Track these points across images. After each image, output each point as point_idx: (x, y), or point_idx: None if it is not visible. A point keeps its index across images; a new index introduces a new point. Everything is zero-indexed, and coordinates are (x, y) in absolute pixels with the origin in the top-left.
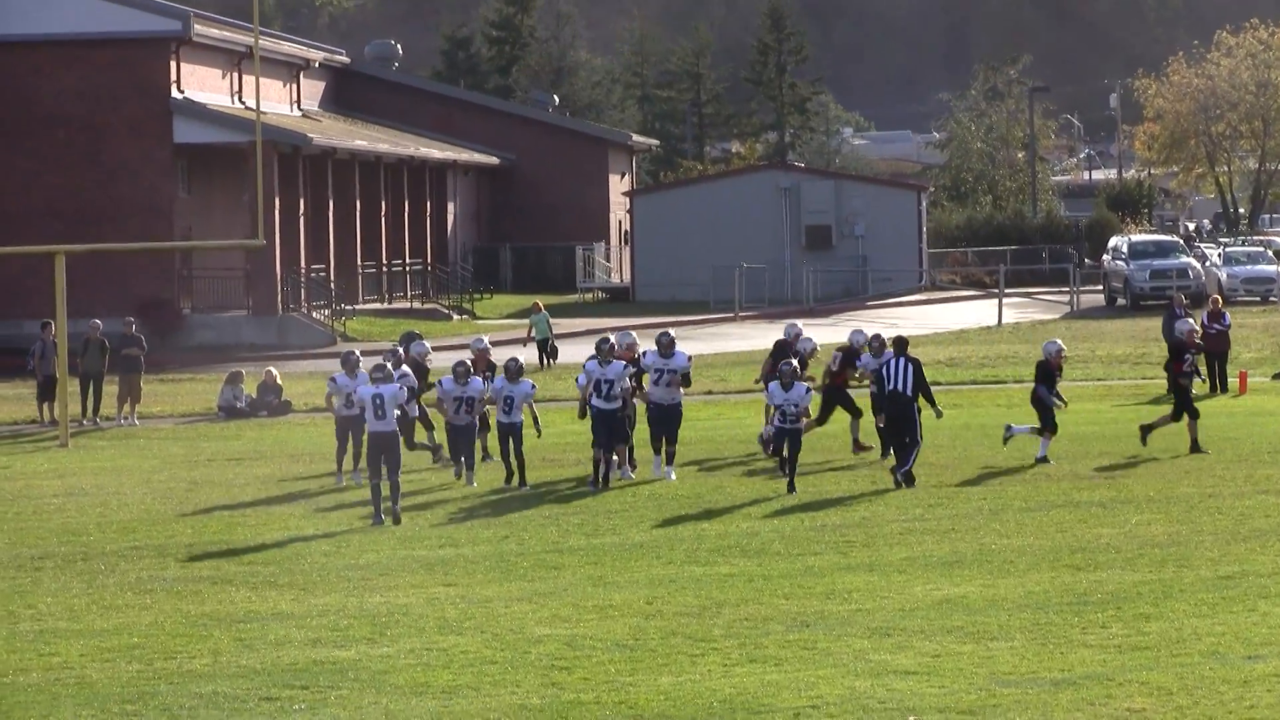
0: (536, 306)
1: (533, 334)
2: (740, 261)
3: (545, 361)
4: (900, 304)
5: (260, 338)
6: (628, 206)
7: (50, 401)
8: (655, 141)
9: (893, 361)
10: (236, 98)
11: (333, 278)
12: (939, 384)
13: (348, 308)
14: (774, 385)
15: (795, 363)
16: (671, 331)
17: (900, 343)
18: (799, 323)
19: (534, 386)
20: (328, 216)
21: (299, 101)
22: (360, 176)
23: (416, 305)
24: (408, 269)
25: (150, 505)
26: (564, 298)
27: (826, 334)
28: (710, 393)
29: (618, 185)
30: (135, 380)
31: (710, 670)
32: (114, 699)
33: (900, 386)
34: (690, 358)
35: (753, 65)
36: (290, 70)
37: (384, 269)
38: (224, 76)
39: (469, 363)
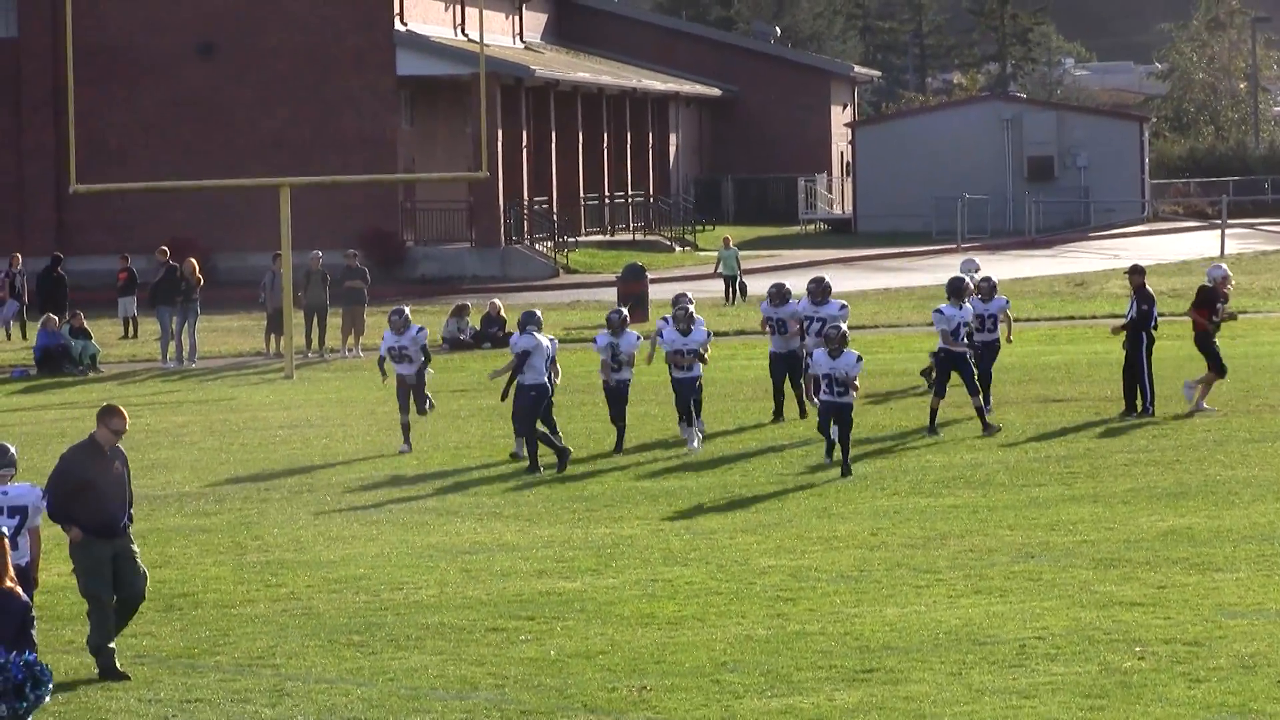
0: (726, 242)
1: (720, 269)
2: (962, 193)
3: (732, 297)
4: (1122, 235)
5: (483, 270)
6: (849, 138)
7: (277, 334)
8: (877, 73)
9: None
10: (459, 30)
11: (555, 210)
12: (1163, 314)
13: (570, 240)
14: (819, 352)
15: (844, 327)
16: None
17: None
18: (976, 259)
19: (639, 337)
20: (550, 148)
21: (521, 34)
22: (582, 108)
23: (639, 237)
24: (630, 201)
25: (375, 437)
26: (786, 229)
27: (1049, 265)
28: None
29: (839, 117)
30: (359, 312)
31: (935, 601)
32: (341, 630)
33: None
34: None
35: None
36: (512, 2)
37: (606, 201)
38: (446, 9)
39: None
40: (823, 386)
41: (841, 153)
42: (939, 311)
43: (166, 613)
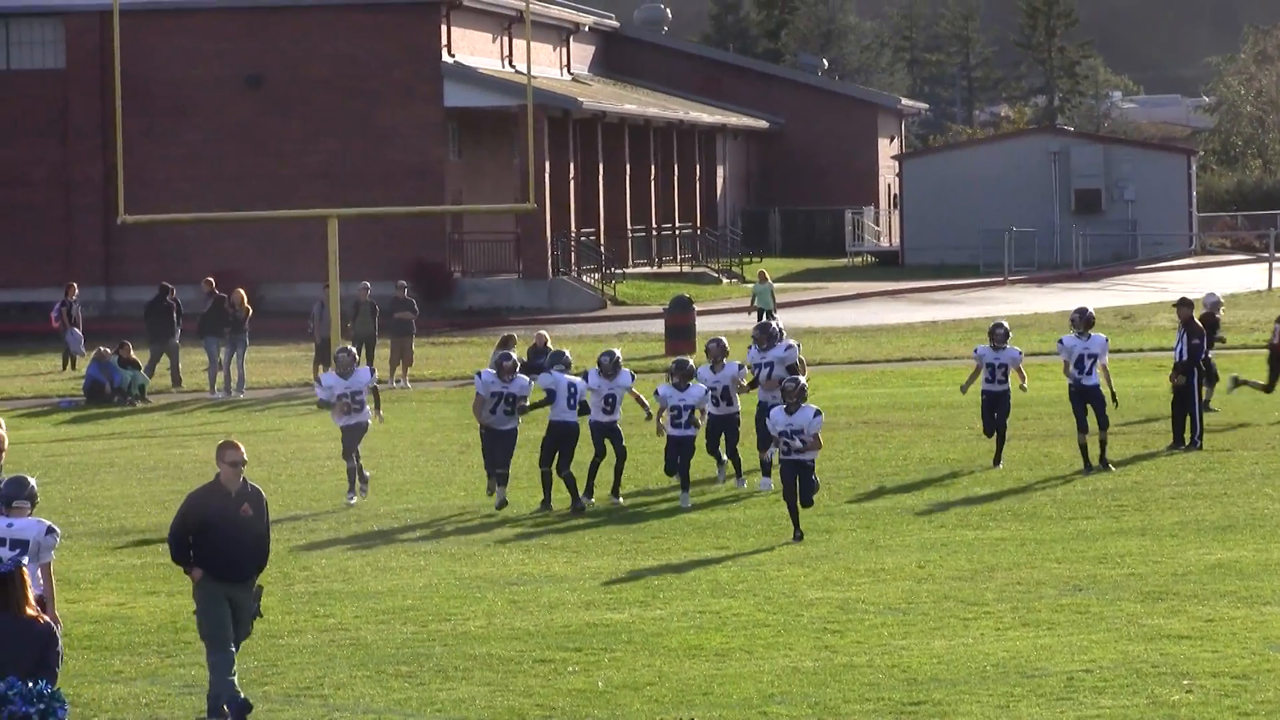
0: (762, 276)
1: (755, 303)
2: (1009, 225)
3: None
4: (1170, 268)
5: (530, 301)
6: (897, 170)
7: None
8: (924, 105)
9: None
10: (506, 61)
11: (602, 241)
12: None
13: (617, 271)
14: (776, 410)
15: (802, 380)
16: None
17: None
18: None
19: (633, 377)
20: (597, 180)
21: (569, 65)
22: (630, 140)
23: (686, 269)
24: (677, 232)
25: (423, 467)
26: (833, 261)
27: (1096, 298)
28: None
29: (887, 149)
30: (407, 343)
31: (983, 634)
32: (389, 660)
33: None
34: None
35: (1022, 29)
36: (560, 34)
37: (653, 232)
38: (494, 40)
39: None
40: (780, 445)
41: (889, 185)
42: (1061, 342)
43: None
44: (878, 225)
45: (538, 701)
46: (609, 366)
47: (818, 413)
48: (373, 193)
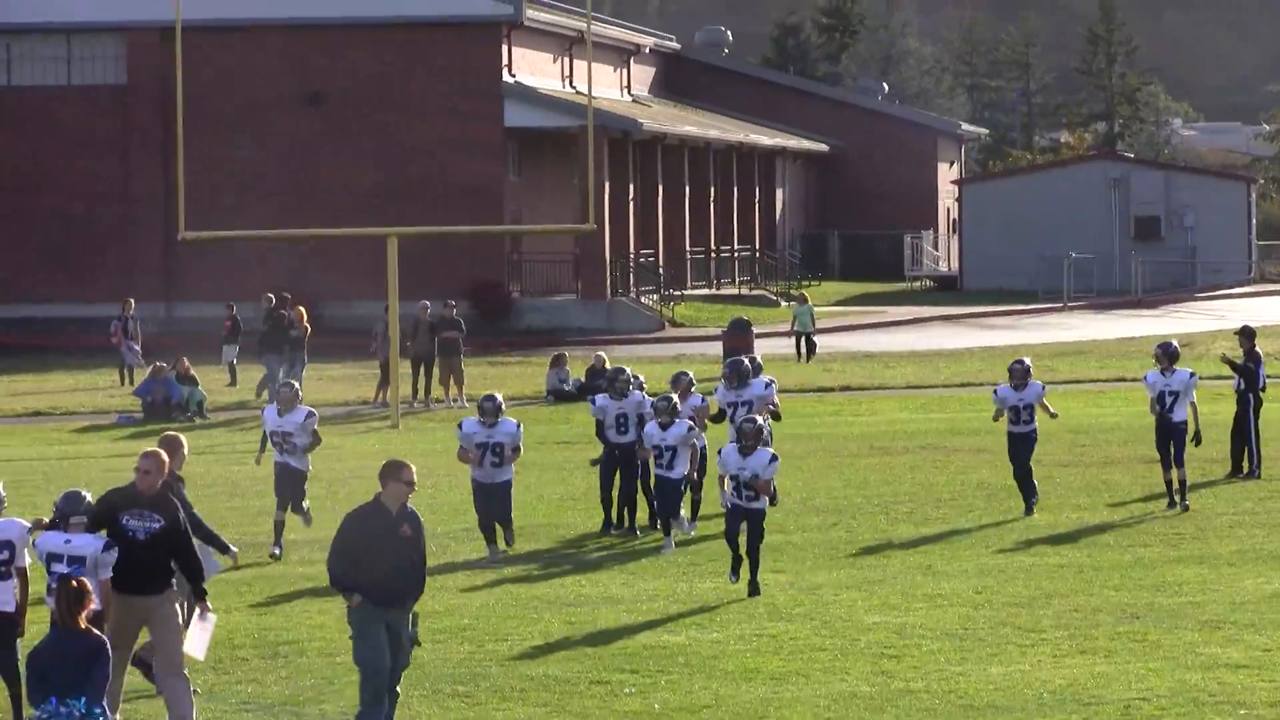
0: (803, 298)
1: (795, 326)
2: (1068, 251)
3: (803, 355)
4: (1229, 296)
5: (589, 322)
6: (956, 195)
7: (387, 385)
8: (984, 130)
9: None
10: (567, 82)
11: (661, 263)
12: (1271, 377)
13: (676, 293)
14: (728, 449)
15: (759, 421)
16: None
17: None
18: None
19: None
20: (657, 201)
21: (629, 87)
22: (689, 162)
23: (744, 291)
24: (736, 255)
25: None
26: (892, 285)
27: (1155, 325)
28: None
29: (946, 173)
30: (456, 363)
31: (1040, 661)
32: (445, 680)
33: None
34: (690, 428)
35: (1082, 55)
36: (621, 55)
37: (712, 255)
38: (554, 61)
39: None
40: (729, 489)
41: (948, 209)
42: (1145, 379)
43: (271, 660)
44: (936, 250)
45: None
46: (622, 387)
47: (774, 458)
48: (432, 212)
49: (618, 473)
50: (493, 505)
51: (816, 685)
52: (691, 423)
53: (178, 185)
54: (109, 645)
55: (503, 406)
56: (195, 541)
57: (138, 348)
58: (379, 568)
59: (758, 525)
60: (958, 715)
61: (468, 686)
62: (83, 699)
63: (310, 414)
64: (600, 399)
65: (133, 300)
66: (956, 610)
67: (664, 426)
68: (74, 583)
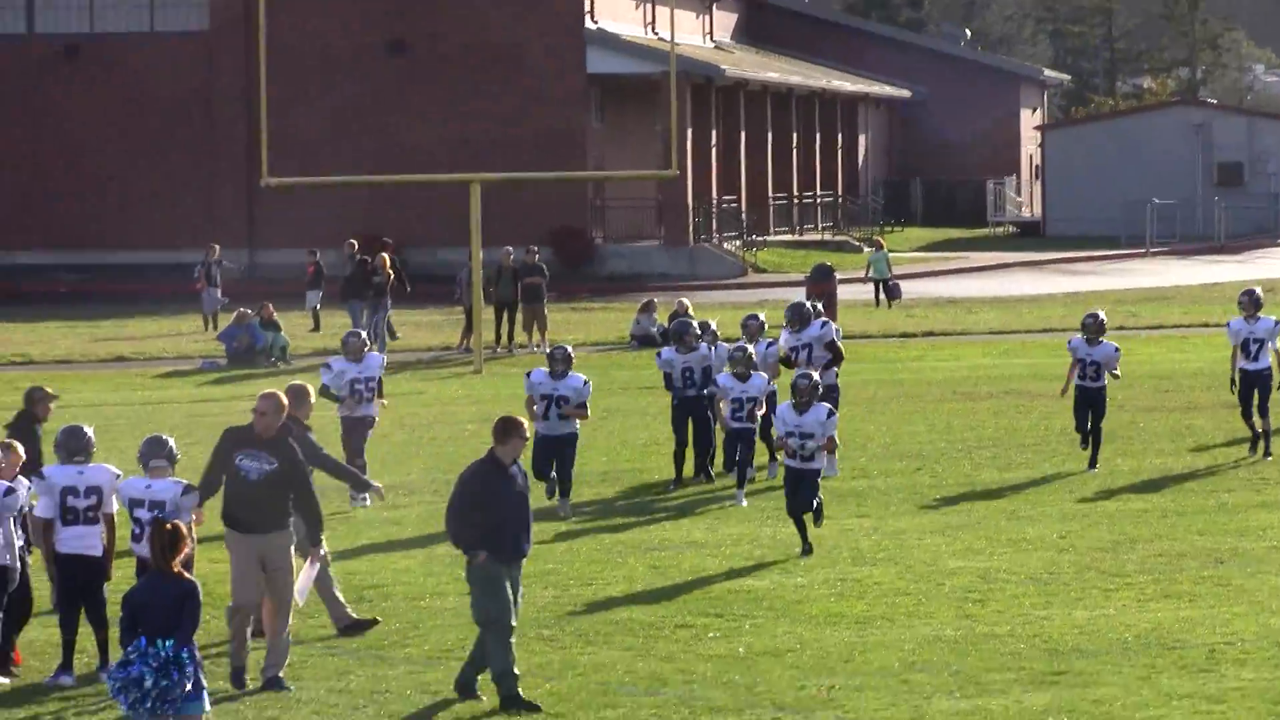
0: (878, 244)
1: (870, 273)
2: (1151, 198)
3: (881, 300)
4: None
5: (672, 268)
6: (1039, 141)
7: (470, 331)
8: (1066, 77)
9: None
10: (649, 28)
11: (744, 209)
12: None
13: (758, 239)
14: (783, 406)
15: (815, 376)
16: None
17: None
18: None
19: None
20: (739, 148)
21: (711, 33)
22: (772, 108)
23: (827, 237)
24: (818, 201)
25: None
26: (974, 232)
27: (1238, 271)
28: (1121, 328)
29: (1029, 120)
30: (539, 308)
31: (1124, 605)
32: (530, 624)
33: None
34: (769, 380)
35: (1165, 1)
36: (703, 2)
37: (794, 201)
38: (637, 7)
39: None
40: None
41: (1030, 156)
42: (1228, 325)
43: (357, 604)
44: (1019, 196)
45: (679, 667)
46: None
47: (831, 412)
48: (515, 158)
49: (691, 424)
50: (556, 459)
51: (901, 629)
52: (766, 375)
53: (260, 131)
54: (200, 589)
55: (573, 359)
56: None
57: (219, 294)
58: (503, 523)
59: (812, 485)
60: (1042, 659)
61: (552, 630)
62: (170, 641)
63: (380, 357)
64: (666, 351)
65: (217, 246)
66: (1040, 555)
67: (740, 378)
68: (168, 526)
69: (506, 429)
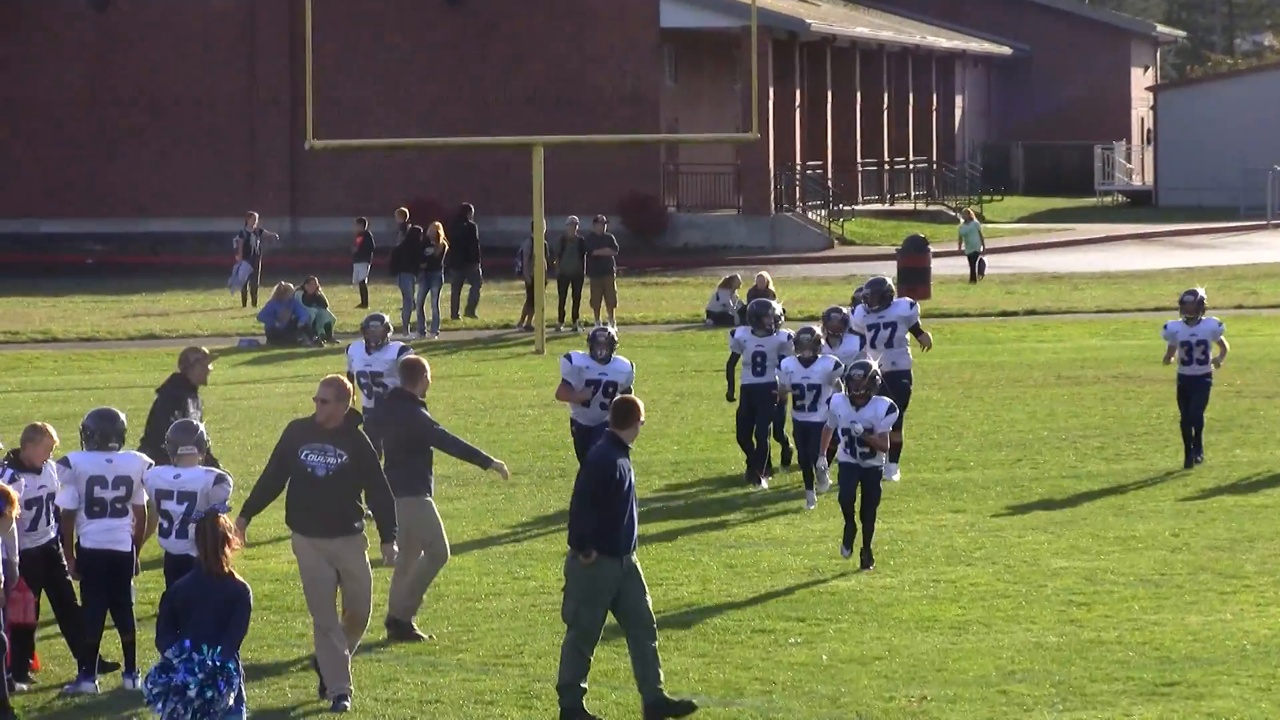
0: (968, 215)
1: (963, 247)
2: (1272, 164)
3: (974, 275)
4: None
5: (750, 239)
6: (1151, 103)
7: (532, 308)
8: (1181, 33)
9: None
10: None
11: (830, 175)
12: None
13: (845, 208)
14: (838, 398)
15: (874, 365)
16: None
17: None
18: None
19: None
20: (825, 109)
21: None
22: (861, 66)
23: (920, 207)
24: (911, 167)
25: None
26: (1080, 201)
27: None
28: (1240, 306)
29: (1140, 80)
30: (608, 283)
31: (1242, 609)
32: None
33: None
34: (837, 364)
35: None
36: None
37: (885, 167)
38: None
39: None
40: (841, 444)
41: (1142, 119)
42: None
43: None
44: (1129, 162)
45: (756, 675)
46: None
47: (891, 408)
48: (581, 120)
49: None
50: None
51: (999, 635)
52: (838, 359)
53: (306, 90)
54: (250, 593)
55: (616, 343)
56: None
57: (248, 266)
58: (621, 516)
59: (874, 486)
60: (1152, 668)
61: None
62: (219, 648)
63: (403, 349)
64: (740, 331)
65: (256, 214)
66: (1152, 554)
67: (805, 362)
68: (220, 520)
69: (631, 411)
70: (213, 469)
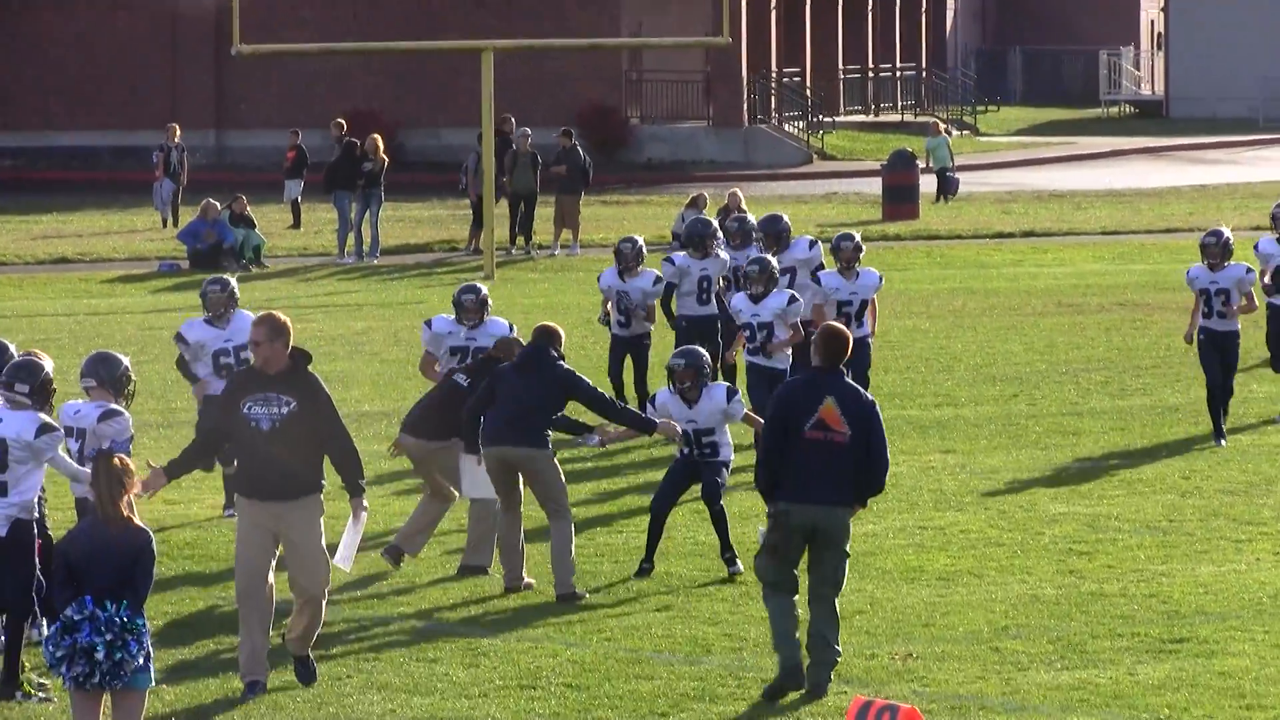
0: (935, 128)
1: (930, 163)
2: None
3: (941, 196)
4: None
5: (721, 154)
6: (1162, 4)
7: (480, 227)
8: None
9: None
10: None
11: (809, 84)
12: None
13: (826, 120)
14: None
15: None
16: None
17: None
18: None
19: (657, 279)
20: (804, 10)
21: None
22: None
23: (908, 118)
24: (898, 75)
25: (590, 350)
26: (1084, 112)
27: None
28: (1258, 228)
29: None
30: (572, 202)
31: (1258, 559)
32: (545, 579)
33: None
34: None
35: None
36: None
37: (869, 74)
38: None
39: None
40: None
41: (1152, 21)
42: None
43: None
44: (1138, 70)
45: (725, 630)
46: (631, 256)
47: (793, 298)
48: (536, 23)
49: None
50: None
51: (991, 587)
52: (793, 293)
53: None
54: (154, 540)
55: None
56: (465, 459)
57: (173, 185)
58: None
59: (713, 482)
60: (1159, 623)
61: (579, 589)
62: (124, 603)
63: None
64: (680, 257)
65: (177, 127)
66: (1159, 499)
67: (755, 299)
68: (115, 461)
69: (839, 338)
70: (103, 403)
